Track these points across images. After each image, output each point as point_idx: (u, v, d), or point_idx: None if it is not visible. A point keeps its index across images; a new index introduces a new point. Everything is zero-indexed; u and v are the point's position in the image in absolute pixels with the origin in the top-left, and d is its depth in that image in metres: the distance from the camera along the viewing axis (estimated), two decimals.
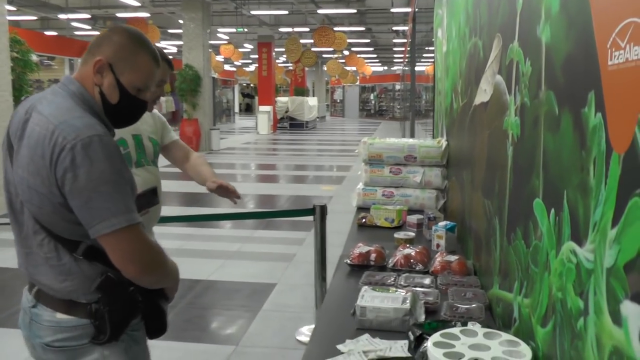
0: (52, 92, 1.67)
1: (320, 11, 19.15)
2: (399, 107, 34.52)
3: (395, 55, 34.96)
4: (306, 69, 32.82)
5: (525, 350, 1.39)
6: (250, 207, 9.34)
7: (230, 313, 4.71)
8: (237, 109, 45.72)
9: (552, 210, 1.31)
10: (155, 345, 3.97)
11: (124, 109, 1.72)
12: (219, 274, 5.70)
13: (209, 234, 7.33)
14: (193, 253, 6.43)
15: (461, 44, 3.02)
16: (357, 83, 42.54)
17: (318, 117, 32.28)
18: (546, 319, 1.35)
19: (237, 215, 6.46)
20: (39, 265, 1.67)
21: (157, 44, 24.25)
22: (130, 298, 1.68)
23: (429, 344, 1.41)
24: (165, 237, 6.87)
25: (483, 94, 2.29)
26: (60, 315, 1.67)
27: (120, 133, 2.48)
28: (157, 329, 1.85)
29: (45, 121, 1.56)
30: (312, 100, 29.88)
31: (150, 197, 2.52)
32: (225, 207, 9.30)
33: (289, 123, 28.14)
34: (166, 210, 8.11)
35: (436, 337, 1.46)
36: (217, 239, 7.09)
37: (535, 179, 1.46)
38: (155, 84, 2.48)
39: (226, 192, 2.80)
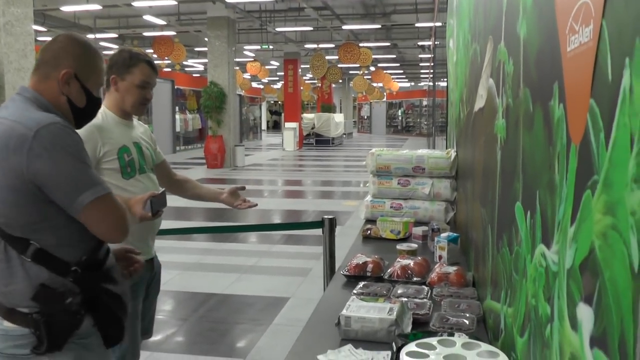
0: (11, 100, 1.77)
1: (345, 27, 19.19)
2: (426, 123, 34.32)
3: (422, 71, 34.84)
4: (333, 85, 32.88)
5: None
6: (273, 222, 9.32)
7: (241, 327, 4.66)
8: (264, 126, 46.00)
9: (528, 213, 1.24)
10: (164, 358, 3.99)
11: (89, 110, 1.87)
12: (233, 288, 5.66)
13: (228, 248, 7.31)
14: (210, 267, 6.41)
15: (466, 51, 2.96)
16: (384, 99, 42.43)
17: (345, 134, 32.23)
18: (523, 328, 1.27)
19: (247, 227, 6.44)
20: None
21: (184, 62, 24.62)
22: (68, 310, 1.69)
23: (401, 353, 1.35)
24: (185, 252, 6.92)
25: (480, 100, 2.23)
26: (7, 324, 1.70)
27: (121, 141, 2.50)
28: (113, 337, 1.85)
29: (4, 120, 1.65)
30: (338, 117, 29.86)
31: (163, 199, 2.52)
32: (245, 222, 9.30)
33: (315, 139, 28.14)
34: (186, 225, 8.09)
35: (411, 346, 1.39)
36: (236, 254, 7.06)
37: (516, 182, 1.39)
38: (139, 85, 2.49)
39: (242, 200, 2.89)
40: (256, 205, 2.90)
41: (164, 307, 5.04)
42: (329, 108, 31.34)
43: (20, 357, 1.68)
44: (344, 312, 1.82)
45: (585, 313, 0.81)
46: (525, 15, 1.30)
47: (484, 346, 1.39)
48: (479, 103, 2.24)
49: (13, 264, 1.66)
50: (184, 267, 6.27)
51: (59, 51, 1.79)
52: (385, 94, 41.71)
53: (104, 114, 2.53)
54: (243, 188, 2.93)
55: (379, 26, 19.66)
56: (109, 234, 1.73)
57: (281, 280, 5.89)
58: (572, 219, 0.89)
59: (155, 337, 4.00)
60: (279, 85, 38.79)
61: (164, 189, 2.56)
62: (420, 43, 22.05)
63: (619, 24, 0.70)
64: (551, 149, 1.04)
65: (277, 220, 9.52)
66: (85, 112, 1.85)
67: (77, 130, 2.39)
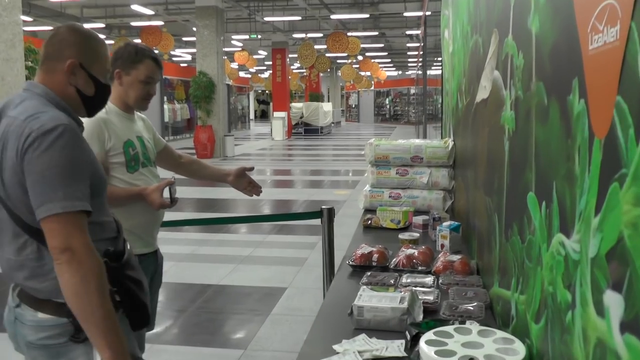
0: (19, 97, 1.76)
1: (333, 16, 19.17)
2: (414, 111, 34.40)
3: (410, 60, 34.88)
4: (321, 74, 32.85)
5: (519, 347, 1.36)
6: (265, 212, 9.35)
7: (239, 317, 4.70)
8: (252, 116, 45.91)
9: (544, 203, 1.28)
10: (163, 350, 4.02)
11: (99, 97, 1.88)
12: (230, 278, 5.69)
13: (222, 239, 7.33)
14: (205, 258, 6.43)
15: (465, 42, 2.99)
16: (372, 88, 42.46)
17: (333, 123, 32.27)
18: (539, 314, 1.32)
19: (245, 218, 6.45)
20: (21, 268, 1.72)
21: (172, 52, 24.49)
22: None
23: (421, 342, 1.39)
24: (179, 243, 6.94)
25: (483, 91, 2.27)
26: (41, 315, 1.72)
27: (126, 135, 2.52)
28: (140, 321, 1.89)
29: (15, 119, 1.65)
30: (326, 106, 29.86)
31: (174, 187, 2.55)
32: (236, 212, 9.33)
33: (303, 129, 28.13)
34: (180, 216, 8.08)
35: (429, 335, 1.43)
36: (230, 244, 7.09)
37: (528, 173, 1.43)
38: (144, 81, 2.51)
39: (248, 183, 2.91)
40: (261, 190, 2.93)
41: (161, 298, 5.05)
42: (317, 97, 31.34)
43: (54, 347, 1.70)
44: (357, 302, 1.86)
45: (613, 300, 0.85)
46: (538, 11, 1.33)
47: (499, 333, 1.44)
48: (482, 94, 2.27)
49: (46, 262, 1.67)
50: (179, 258, 6.29)
51: (60, 43, 1.80)
52: (373, 82, 41.73)
53: (108, 107, 2.53)
54: (252, 169, 2.93)
55: (367, 15, 19.66)
56: (54, 254, 1.59)
57: (277, 270, 5.93)
58: (596, 210, 0.93)
59: (154, 329, 4.02)
60: (266, 74, 38.68)
61: (174, 178, 2.59)
62: (408, 32, 22.08)
63: None
64: (569, 142, 1.08)
65: (268, 210, 9.54)
66: (95, 100, 1.87)
67: (84, 125, 2.42)
